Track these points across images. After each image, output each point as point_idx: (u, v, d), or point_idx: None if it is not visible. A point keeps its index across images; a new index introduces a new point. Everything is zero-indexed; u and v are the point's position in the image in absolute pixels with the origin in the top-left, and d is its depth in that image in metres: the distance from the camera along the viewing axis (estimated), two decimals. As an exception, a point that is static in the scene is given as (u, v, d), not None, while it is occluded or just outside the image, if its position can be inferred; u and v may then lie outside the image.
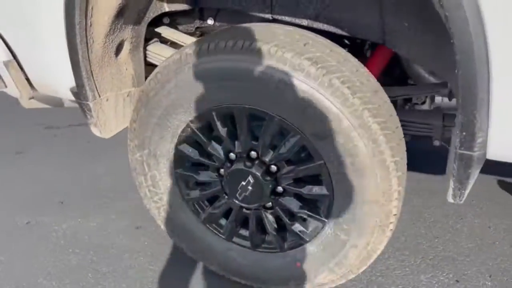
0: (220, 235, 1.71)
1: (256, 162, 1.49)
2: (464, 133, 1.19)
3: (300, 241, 1.57)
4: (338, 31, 1.63)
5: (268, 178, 1.50)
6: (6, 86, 1.83)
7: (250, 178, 1.50)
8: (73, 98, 1.73)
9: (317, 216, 1.49)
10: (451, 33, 1.08)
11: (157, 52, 1.86)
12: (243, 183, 1.52)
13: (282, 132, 1.43)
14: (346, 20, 1.60)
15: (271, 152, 1.46)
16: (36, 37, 1.63)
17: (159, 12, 1.78)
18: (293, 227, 1.56)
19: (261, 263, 1.67)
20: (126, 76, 1.78)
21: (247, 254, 1.69)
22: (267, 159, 1.47)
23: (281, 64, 1.28)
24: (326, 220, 1.49)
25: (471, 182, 1.30)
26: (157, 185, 1.68)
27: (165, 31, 1.88)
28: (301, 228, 1.55)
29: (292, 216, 1.56)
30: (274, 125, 1.39)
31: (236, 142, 1.50)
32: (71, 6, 1.42)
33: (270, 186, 1.50)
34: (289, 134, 1.40)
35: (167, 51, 1.84)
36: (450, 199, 1.36)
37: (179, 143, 1.57)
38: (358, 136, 1.29)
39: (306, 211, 1.51)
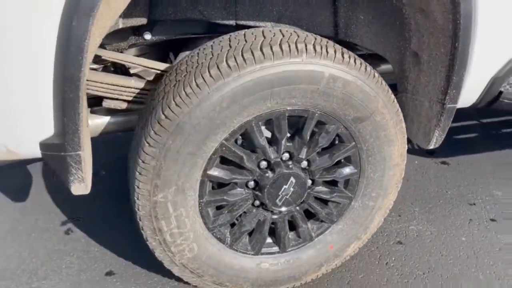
0: (248, 252, 1.63)
1: (291, 162, 1.52)
2: (454, 91, 1.58)
3: (328, 224, 1.69)
4: (298, 30, 1.78)
5: (306, 174, 1.55)
6: None
7: (292, 179, 1.51)
8: (35, 155, 1.29)
9: (346, 194, 1.65)
10: (458, 16, 1.42)
11: (98, 80, 1.56)
12: (285, 186, 1.52)
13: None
14: (304, 19, 1.76)
15: (306, 149, 1.52)
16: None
17: (112, 30, 1.50)
18: (324, 213, 1.65)
19: (294, 261, 1.69)
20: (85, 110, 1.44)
21: (279, 258, 1.68)
22: (302, 156, 1.52)
23: (329, 60, 1.36)
24: (353, 196, 1.66)
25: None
26: (182, 224, 1.45)
27: (104, 52, 1.59)
28: (328, 211, 1.67)
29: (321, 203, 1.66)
30: (314, 121, 1.46)
31: (270, 148, 1.48)
32: (81, 29, 1.08)
33: (308, 181, 1.56)
34: (324, 126, 1.50)
35: (109, 78, 1.56)
36: (431, 146, 1.75)
37: (209, 167, 1.42)
38: (388, 112, 1.51)
39: (337, 194, 1.63)
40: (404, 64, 1.76)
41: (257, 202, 1.57)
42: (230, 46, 1.36)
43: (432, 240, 2.09)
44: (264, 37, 1.37)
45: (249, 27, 1.70)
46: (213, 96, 1.29)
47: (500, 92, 1.72)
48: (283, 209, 1.57)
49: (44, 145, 1.25)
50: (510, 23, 1.57)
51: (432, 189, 2.48)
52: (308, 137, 1.48)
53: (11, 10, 1.06)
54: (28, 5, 1.06)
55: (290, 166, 1.51)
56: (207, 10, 1.64)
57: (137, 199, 1.40)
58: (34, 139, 1.24)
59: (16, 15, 1.07)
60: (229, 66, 1.29)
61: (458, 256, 1.99)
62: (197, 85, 1.29)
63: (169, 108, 1.30)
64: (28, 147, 1.25)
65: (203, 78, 1.29)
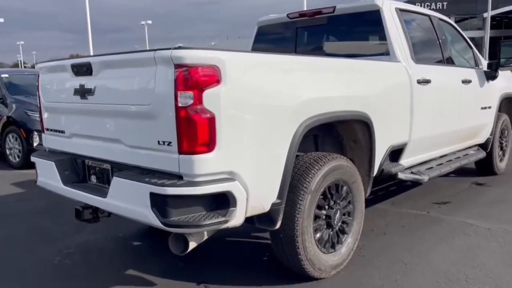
0: (325, 252, 3.53)
1: (336, 204, 3.61)
2: (371, 170, 4.02)
3: (347, 234, 3.76)
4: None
5: (339, 209, 3.66)
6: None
7: (338, 212, 3.60)
8: (266, 209, 3.06)
9: (350, 218, 3.78)
10: (372, 141, 3.91)
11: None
12: (336, 215, 3.58)
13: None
14: (308, 150, 4.01)
15: (340, 197, 3.66)
16: (263, 170, 2.94)
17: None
18: (345, 228, 3.73)
19: (340, 254, 3.65)
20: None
21: (335, 254, 3.62)
22: (339, 201, 3.64)
23: (344, 160, 3.64)
24: (352, 218, 3.80)
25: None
26: (310, 237, 3.32)
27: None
28: (346, 226, 3.75)
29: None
30: (340, 184, 3.65)
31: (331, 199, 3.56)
32: (292, 153, 3.08)
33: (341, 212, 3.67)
34: (343, 187, 3.69)
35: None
36: (367, 195, 4.12)
37: (315, 209, 3.39)
38: (359, 178, 3.82)
39: (348, 218, 3.76)
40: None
41: (325, 226, 3.56)
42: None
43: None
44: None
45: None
46: (319, 175, 3.36)
47: (382, 169, 4.28)
48: (336, 226, 3.60)
49: (275, 203, 3.05)
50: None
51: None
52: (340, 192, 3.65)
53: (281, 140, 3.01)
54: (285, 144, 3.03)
55: (337, 205, 3.61)
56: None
57: (296, 226, 3.23)
58: (271, 201, 3.04)
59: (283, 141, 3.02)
60: (320, 164, 3.40)
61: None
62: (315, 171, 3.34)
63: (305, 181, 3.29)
64: (269, 205, 3.03)
65: (315, 168, 3.35)
